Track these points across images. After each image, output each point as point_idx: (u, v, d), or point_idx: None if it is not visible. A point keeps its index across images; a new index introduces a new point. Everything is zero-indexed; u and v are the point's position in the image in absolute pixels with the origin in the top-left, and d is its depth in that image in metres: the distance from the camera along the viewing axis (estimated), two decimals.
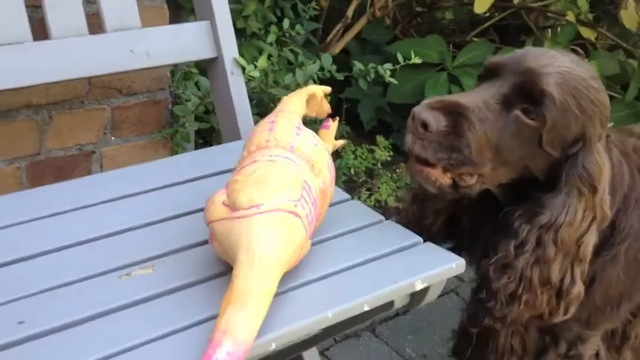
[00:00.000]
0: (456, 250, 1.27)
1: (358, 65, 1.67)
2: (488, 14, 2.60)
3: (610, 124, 1.19)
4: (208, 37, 1.23)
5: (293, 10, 1.73)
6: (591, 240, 1.11)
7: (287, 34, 1.60)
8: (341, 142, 1.17)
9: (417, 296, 0.97)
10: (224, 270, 0.92)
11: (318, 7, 1.91)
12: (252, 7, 1.54)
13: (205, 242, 0.97)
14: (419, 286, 0.93)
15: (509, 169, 1.07)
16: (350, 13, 2.27)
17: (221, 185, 0.92)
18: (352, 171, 2.25)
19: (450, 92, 2.23)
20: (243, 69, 1.25)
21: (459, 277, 1.90)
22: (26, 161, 1.36)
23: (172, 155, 1.45)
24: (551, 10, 2.48)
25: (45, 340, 0.80)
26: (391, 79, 1.68)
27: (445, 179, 1.04)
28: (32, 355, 0.78)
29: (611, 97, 2.37)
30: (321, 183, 0.97)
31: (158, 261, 0.94)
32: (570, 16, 2.39)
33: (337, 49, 2.25)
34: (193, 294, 0.89)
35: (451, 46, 2.48)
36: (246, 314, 0.78)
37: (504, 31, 2.80)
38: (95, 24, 1.15)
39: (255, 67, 1.25)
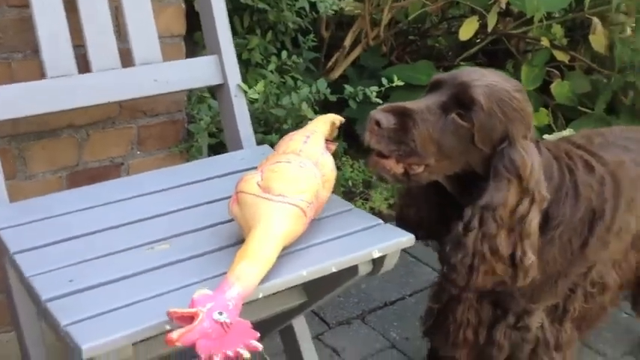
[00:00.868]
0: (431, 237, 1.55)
1: (348, 88, 1.96)
2: (478, 40, 2.87)
3: None
4: (216, 68, 1.54)
5: (294, 42, 2.03)
6: (534, 218, 1.38)
7: (287, 63, 1.90)
8: None
9: (377, 263, 1.25)
10: (230, 244, 1.21)
11: (315, 39, 2.19)
12: (255, 41, 1.84)
13: (214, 225, 1.26)
14: (376, 254, 1.21)
15: (452, 163, 1.36)
16: (347, 43, 2.57)
17: (226, 183, 1.20)
18: (350, 182, 2.54)
19: None
20: (245, 93, 1.55)
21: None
22: (67, 171, 1.66)
23: None
24: (528, 36, 2.77)
25: (87, 292, 1.09)
26: (377, 100, 1.96)
27: (398, 168, 1.33)
28: (76, 303, 1.07)
29: (584, 113, 2.65)
30: (326, 197, 1.26)
31: (177, 239, 1.23)
32: (545, 41, 2.68)
33: (336, 74, 2.54)
34: (205, 261, 1.18)
35: (441, 70, 2.76)
36: (255, 269, 1.06)
37: (493, 55, 3.08)
38: (126, 59, 1.46)
39: (255, 91, 1.55)
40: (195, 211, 1.32)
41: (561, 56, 2.70)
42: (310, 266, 1.16)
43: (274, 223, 1.12)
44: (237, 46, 1.64)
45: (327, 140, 1.38)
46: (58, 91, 1.38)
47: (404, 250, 2.38)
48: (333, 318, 2.09)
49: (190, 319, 0.98)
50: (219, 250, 1.21)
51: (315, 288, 1.38)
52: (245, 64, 1.90)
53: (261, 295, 1.11)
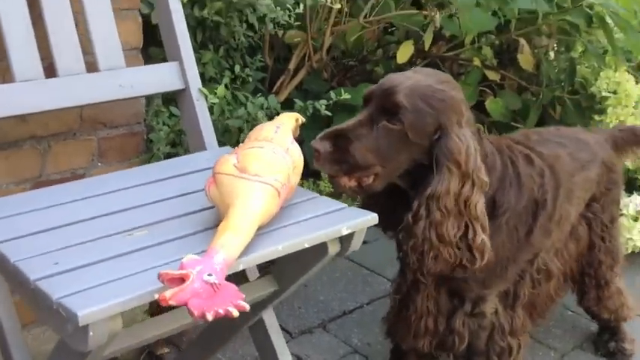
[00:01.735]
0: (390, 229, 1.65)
1: (299, 102, 2.06)
2: (417, 61, 3.03)
3: None
4: (178, 74, 1.62)
5: (243, 60, 2.13)
6: (478, 200, 1.50)
7: (238, 80, 1.99)
8: None
9: (344, 242, 1.34)
10: (206, 228, 1.28)
11: (262, 60, 2.30)
12: (209, 55, 1.93)
13: (189, 214, 1.33)
14: (345, 231, 1.30)
15: (398, 164, 1.49)
16: (292, 66, 2.69)
17: (197, 178, 1.27)
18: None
19: None
20: (206, 97, 1.63)
21: None
22: (30, 182, 1.69)
23: None
24: (461, 57, 2.96)
25: (73, 272, 1.14)
26: (327, 112, 2.07)
27: (351, 183, 1.48)
28: (64, 281, 1.11)
29: (517, 128, 2.83)
30: (295, 183, 1.35)
31: (154, 226, 1.29)
32: (476, 62, 2.87)
33: (282, 97, 2.64)
34: (183, 243, 1.24)
35: None
36: (237, 239, 1.14)
37: None
38: (92, 66, 1.53)
39: (215, 94, 1.64)
40: (170, 203, 1.38)
41: (493, 75, 2.89)
42: (285, 242, 1.24)
43: (252, 199, 1.20)
44: None
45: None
46: (26, 94, 1.43)
47: (358, 263, 2.49)
48: (295, 327, 2.15)
49: (181, 280, 1.04)
50: (195, 234, 1.28)
51: (285, 275, 1.45)
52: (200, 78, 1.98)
53: (241, 267, 1.18)
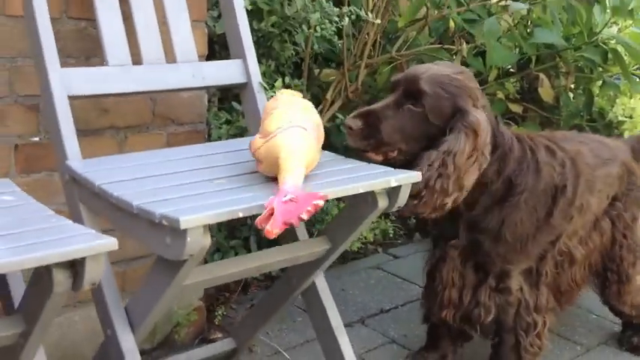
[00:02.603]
0: None
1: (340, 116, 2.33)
2: None
3: None
4: (241, 69, 1.90)
5: (290, 75, 2.40)
6: (472, 174, 1.74)
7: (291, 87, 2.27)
8: None
9: (392, 197, 1.57)
10: (266, 180, 1.52)
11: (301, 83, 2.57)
12: (262, 68, 2.21)
13: (253, 172, 1.57)
14: (393, 183, 1.53)
15: (418, 142, 1.75)
16: (329, 96, 2.97)
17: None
18: None
19: None
20: (266, 90, 1.90)
21: None
22: None
23: None
24: (486, 92, 3.22)
25: (169, 201, 1.37)
26: None
27: (378, 157, 1.73)
28: (163, 205, 1.34)
29: None
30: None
31: (231, 178, 1.53)
32: (500, 95, 3.14)
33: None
34: (254, 188, 1.48)
35: None
36: (296, 172, 1.39)
37: None
38: (170, 57, 1.81)
39: (273, 87, 1.91)
40: (239, 165, 1.63)
41: (515, 107, 3.16)
42: (343, 185, 1.48)
43: (288, 145, 1.44)
44: None
45: None
46: (116, 77, 1.71)
47: (392, 274, 2.69)
48: None
49: (270, 215, 1.29)
50: (262, 183, 1.52)
51: (337, 232, 1.68)
52: None
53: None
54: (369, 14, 2.20)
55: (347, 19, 2.11)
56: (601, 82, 3.18)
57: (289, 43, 2.21)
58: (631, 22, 3.04)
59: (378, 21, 2.25)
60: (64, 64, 1.64)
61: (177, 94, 2.02)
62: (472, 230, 1.87)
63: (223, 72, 1.89)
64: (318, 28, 2.13)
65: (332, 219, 1.49)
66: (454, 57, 2.97)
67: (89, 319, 1.92)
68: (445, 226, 1.90)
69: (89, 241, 1.16)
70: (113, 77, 1.70)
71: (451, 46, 2.94)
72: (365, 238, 2.78)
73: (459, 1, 2.94)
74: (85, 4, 1.78)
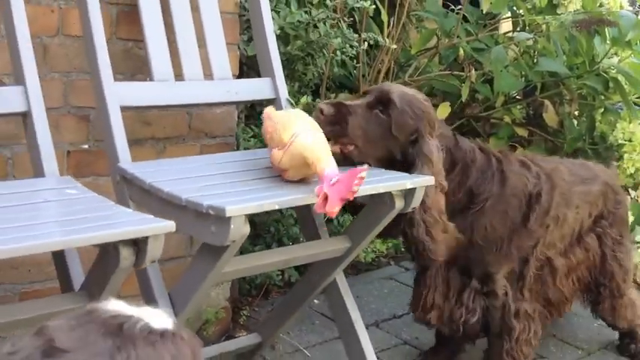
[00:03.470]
0: None
1: None
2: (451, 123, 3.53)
3: None
4: (270, 86, 2.13)
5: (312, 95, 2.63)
6: (439, 200, 1.91)
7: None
8: None
9: (408, 197, 1.78)
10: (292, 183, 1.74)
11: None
12: (287, 89, 2.45)
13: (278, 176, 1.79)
14: (409, 185, 1.75)
15: (376, 147, 1.93)
16: None
17: None
18: None
19: None
20: (292, 105, 2.13)
21: None
22: None
23: None
24: (493, 116, 3.46)
25: (214, 195, 1.59)
26: None
27: (335, 148, 1.86)
28: (206, 198, 1.55)
29: None
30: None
31: (261, 180, 1.76)
32: (507, 119, 3.37)
33: None
34: (284, 187, 1.70)
35: None
36: (331, 165, 1.60)
37: (467, 134, 3.75)
38: (208, 74, 2.05)
39: (299, 102, 2.14)
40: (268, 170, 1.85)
41: (521, 131, 3.38)
42: (364, 186, 1.69)
43: (309, 145, 1.65)
44: None
45: None
46: (159, 91, 1.94)
47: (404, 284, 2.89)
48: None
49: (324, 200, 1.51)
50: (295, 184, 1.74)
51: (357, 232, 1.89)
52: None
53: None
54: (387, 39, 2.43)
55: (366, 43, 2.34)
56: (603, 109, 3.40)
57: (312, 65, 2.44)
58: (630, 52, 3.27)
59: (395, 46, 2.47)
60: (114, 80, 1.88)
61: (210, 110, 2.25)
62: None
63: (254, 89, 2.13)
64: (338, 52, 2.36)
65: (352, 220, 1.70)
66: (462, 84, 3.22)
67: None
68: None
69: (151, 223, 1.38)
70: (158, 91, 1.94)
71: (460, 73, 3.18)
72: (378, 250, 2.99)
73: (468, 31, 3.20)
74: (132, 26, 2.03)
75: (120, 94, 1.84)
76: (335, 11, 2.38)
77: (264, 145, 2.36)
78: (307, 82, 2.57)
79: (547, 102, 3.40)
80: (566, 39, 3.18)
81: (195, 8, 2.04)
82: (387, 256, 3.09)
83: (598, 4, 3.24)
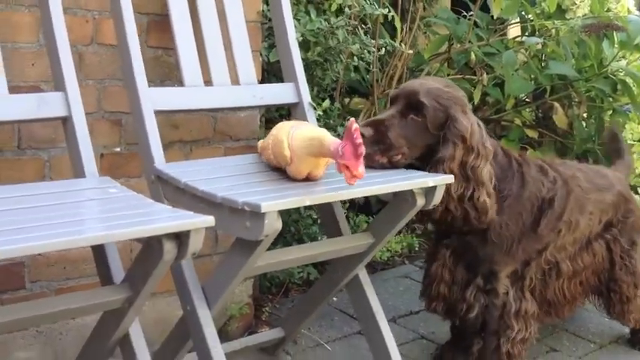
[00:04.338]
0: None
1: None
2: None
3: None
4: (294, 91, 2.25)
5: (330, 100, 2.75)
6: (484, 168, 2.04)
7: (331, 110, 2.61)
8: None
9: (429, 194, 1.89)
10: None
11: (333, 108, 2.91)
12: None
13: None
14: (430, 183, 1.87)
15: (419, 147, 2.05)
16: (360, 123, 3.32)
17: None
18: None
19: None
20: (314, 109, 2.25)
21: None
22: None
23: None
24: (504, 119, 3.57)
25: (243, 192, 1.70)
26: None
27: (383, 159, 2.01)
28: (240, 195, 1.66)
29: None
30: None
31: (278, 181, 1.87)
32: (517, 122, 3.48)
33: None
34: (310, 185, 1.82)
35: None
36: (329, 137, 1.73)
37: None
38: (234, 80, 2.17)
39: (320, 105, 2.26)
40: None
41: (532, 133, 3.50)
42: (389, 184, 1.81)
43: (305, 129, 1.80)
44: None
45: None
46: (189, 95, 2.06)
47: (419, 281, 2.99)
48: None
49: (347, 169, 1.65)
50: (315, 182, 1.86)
51: (380, 228, 2.01)
52: None
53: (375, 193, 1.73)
54: (402, 45, 2.55)
55: (383, 49, 2.46)
56: (611, 110, 3.51)
57: (330, 71, 2.56)
58: (638, 55, 3.38)
59: (410, 51, 2.59)
60: None
61: (235, 114, 2.37)
62: (462, 232, 2.14)
63: (278, 93, 2.24)
64: (355, 57, 2.48)
65: (376, 216, 1.81)
66: (474, 88, 3.33)
67: (155, 309, 2.25)
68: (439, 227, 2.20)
69: (192, 218, 1.49)
70: (189, 96, 2.06)
71: (472, 77, 3.30)
72: (393, 249, 3.10)
73: (479, 36, 3.31)
74: (162, 34, 2.15)
75: (154, 99, 1.96)
76: (350, 18, 2.50)
77: None
78: (325, 87, 2.69)
79: (556, 104, 3.51)
80: (575, 43, 3.30)
81: (222, 17, 2.16)
82: (401, 255, 3.20)
83: (606, 9, 3.35)
